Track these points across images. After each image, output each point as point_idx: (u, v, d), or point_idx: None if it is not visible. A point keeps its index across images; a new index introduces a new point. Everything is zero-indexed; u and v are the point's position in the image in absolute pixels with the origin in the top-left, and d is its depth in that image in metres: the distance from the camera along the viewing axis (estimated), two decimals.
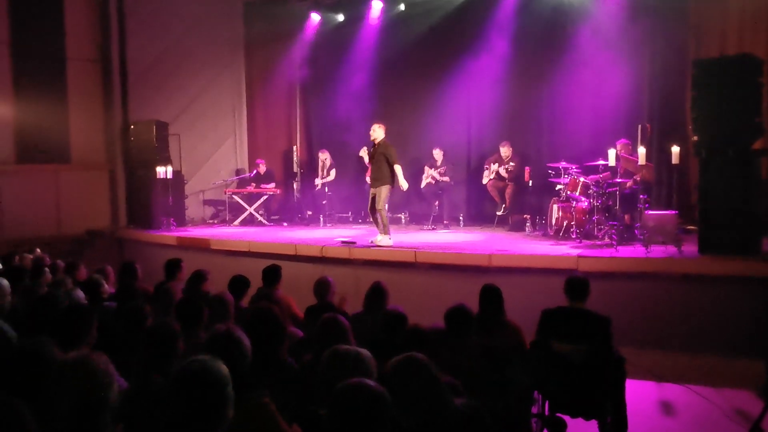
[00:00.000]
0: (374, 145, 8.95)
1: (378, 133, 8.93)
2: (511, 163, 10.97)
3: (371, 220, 9.41)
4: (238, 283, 5.73)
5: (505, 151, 11.09)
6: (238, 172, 14.51)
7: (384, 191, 8.91)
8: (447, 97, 12.20)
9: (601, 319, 4.50)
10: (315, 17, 13.69)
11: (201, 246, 10.49)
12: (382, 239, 8.93)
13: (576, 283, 4.76)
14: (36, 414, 2.49)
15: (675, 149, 7.97)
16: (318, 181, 13.02)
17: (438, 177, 11.72)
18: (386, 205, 9.09)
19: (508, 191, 10.99)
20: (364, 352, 2.99)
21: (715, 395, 5.59)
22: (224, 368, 2.25)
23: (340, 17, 13.66)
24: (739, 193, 7.07)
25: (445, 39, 12.29)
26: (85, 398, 2.33)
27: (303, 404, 3.09)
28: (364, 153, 9.17)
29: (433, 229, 11.36)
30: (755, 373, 5.79)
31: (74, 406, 2.32)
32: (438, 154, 11.84)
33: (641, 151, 8.30)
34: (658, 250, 7.57)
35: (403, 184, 8.94)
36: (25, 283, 5.53)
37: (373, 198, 9.02)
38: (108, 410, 2.39)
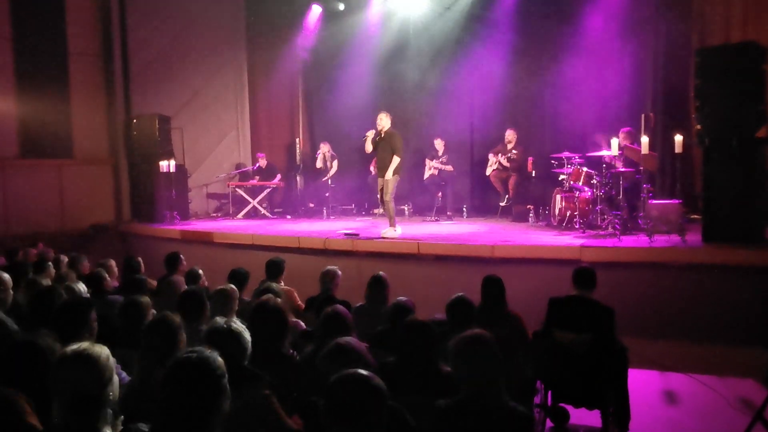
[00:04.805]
0: (380, 134, 8.92)
1: (385, 122, 8.90)
2: (514, 151, 10.94)
3: (383, 209, 9.31)
4: (238, 276, 5.74)
5: (509, 135, 11.05)
6: (239, 165, 14.50)
7: (391, 182, 8.89)
8: (449, 88, 12.18)
9: (606, 309, 4.50)
10: (316, 8, 13.65)
11: (204, 239, 10.50)
12: (388, 231, 8.93)
13: (584, 273, 4.78)
14: (37, 407, 2.50)
15: (678, 138, 7.92)
16: (327, 178, 12.96)
17: (441, 167, 11.70)
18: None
19: (511, 182, 10.96)
20: (361, 344, 3.00)
21: (718, 384, 5.58)
22: (220, 360, 2.25)
23: (342, 7, 13.62)
24: (742, 181, 7.03)
25: (447, 30, 12.25)
26: (84, 391, 2.34)
27: (304, 395, 3.10)
28: (369, 134, 8.99)
29: (437, 220, 11.36)
30: (759, 362, 5.79)
31: (73, 398, 2.33)
32: (439, 144, 11.84)
33: (644, 140, 8.25)
34: (661, 240, 7.54)
35: (389, 174, 8.84)
36: (28, 278, 5.54)
37: (382, 188, 9.01)
38: (108, 403, 2.40)
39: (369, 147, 8.98)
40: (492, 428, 2.74)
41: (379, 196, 9.19)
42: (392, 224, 9.02)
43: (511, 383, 3.91)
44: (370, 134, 8.93)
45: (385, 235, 8.88)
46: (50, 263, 6.50)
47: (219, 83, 14.31)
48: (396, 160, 8.80)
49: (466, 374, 2.85)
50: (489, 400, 2.79)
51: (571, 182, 9.40)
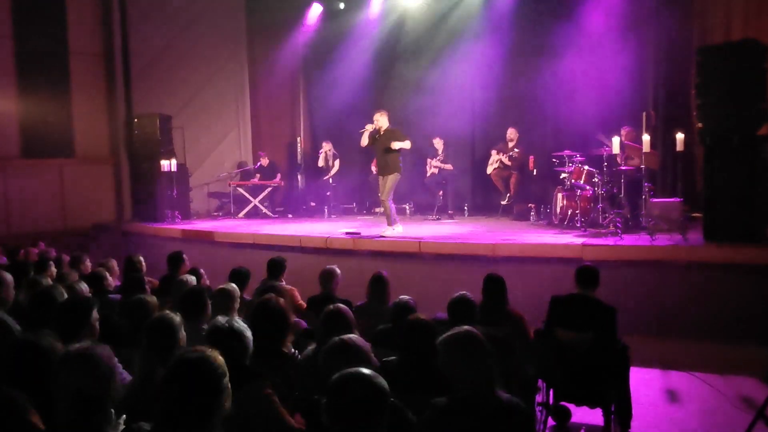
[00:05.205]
0: (378, 133, 8.90)
1: (382, 121, 8.88)
2: (515, 149, 10.93)
3: (382, 209, 9.26)
4: (239, 275, 5.73)
5: (510, 133, 11.04)
6: (240, 164, 14.51)
7: (390, 181, 8.87)
8: (450, 86, 12.17)
9: (608, 308, 4.49)
10: (317, 7, 13.65)
11: (205, 238, 10.51)
12: (387, 230, 8.92)
13: (587, 271, 4.77)
14: (39, 407, 2.50)
15: (679, 136, 7.91)
16: (329, 177, 12.92)
17: (440, 165, 11.70)
18: (392, 195, 9.05)
19: (513, 180, 10.96)
20: (364, 342, 3.00)
21: (720, 382, 5.57)
22: (220, 359, 2.25)
23: (342, 6, 13.63)
24: (744, 179, 7.03)
25: (448, 29, 12.26)
26: (86, 390, 2.34)
27: (305, 394, 3.10)
28: (369, 127, 8.92)
29: (438, 219, 11.35)
30: (761, 360, 5.78)
31: (75, 398, 2.33)
32: (438, 143, 11.84)
33: (645, 138, 8.24)
34: (663, 238, 7.53)
35: (396, 145, 8.73)
36: (29, 277, 5.54)
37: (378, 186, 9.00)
38: (109, 402, 2.40)
39: (365, 141, 8.92)
40: (489, 423, 2.73)
41: (379, 195, 9.20)
42: (390, 223, 9.00)
43: (512, 382, 3.93)
44: (369, 127, 8.87)
45: (384, 234, 8.87)
46: (51, 262, 6.50)
47: (220, 82, 14.30)
48: (407, 143, 8.77)
49: (456, 373, 2.81)
50: (484, 397, 2.76)
51: (573, 180, 9.40)
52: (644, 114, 8.80)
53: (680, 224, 7.66)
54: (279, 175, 13.27)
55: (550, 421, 4.78)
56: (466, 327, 2.95)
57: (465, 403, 2.75)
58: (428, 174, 11.99)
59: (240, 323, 3.17)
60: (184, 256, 6.67)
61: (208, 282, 6.32)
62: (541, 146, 11.37)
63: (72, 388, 2.34)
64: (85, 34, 12.63)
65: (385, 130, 8.87)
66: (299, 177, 13.93)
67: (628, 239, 7.71)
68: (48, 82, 12.00)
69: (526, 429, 2.80)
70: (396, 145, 8.74)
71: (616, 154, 8.62)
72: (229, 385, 2.24)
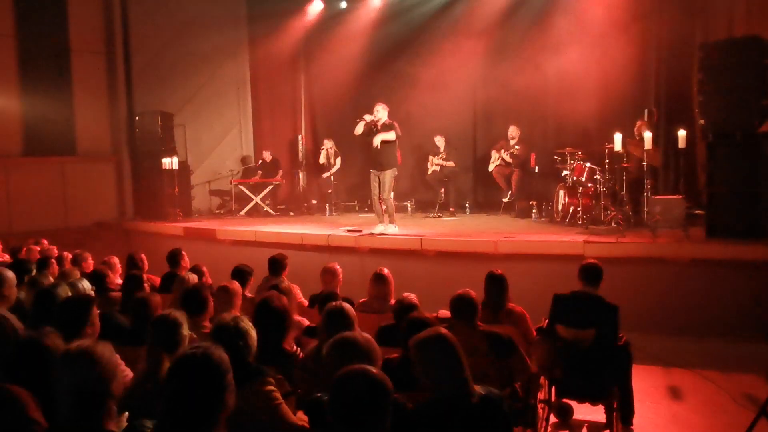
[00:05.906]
0: (376, 127, 8.83)
1: (382, 113, 8.79)
2: (517, 147, 10.90)
3: (378, 205, 9.11)
4: (241, 273, 5.73)
5: (512, 131, 11.01)
6: (244, 161, 14.50)
7: (389, 177, 8.82)
8: (452, 83, 12.14)
9: (610, 306, 4.49)
10: (318, 3, 13.63)
11: (207, 236, 10.51)
12: (385, 228, 8.90)
13: (590, 268, 4.75)
14: (43, 404, 2.51)
15: (681, 133, 7.90)
16: (330, 174, 12.89)
17: (442, 163, 11.68)
18: (392, 193, 9.02)
19: (514, 178, 10.93)
20: (368, 338, 2.99)
21: (722, 379, 5.57)
22: (224, 355, 2.25)
23: (344, 4, 13.61)
24: (746, 176, 7.03)
25: (450, 25, 12.24)
26: (88, 388, 2.34)
27: (308, 392, 3.10)
28: (367, 117, 8.83)
29: (440, 216, 11.35)
30: (763, 358, 5.78)
31: (77, 395, 2.33)
32: (440, 140, 11.81)
33: (647, 135, 8.24)
34: (665, 235, 7.52)
35: (376, 140, 8.66)
36: (31, 275, 5.54)
37: (378, 184, 8.93)
38: (111, 399, 2.40)
39: (359, 129, 8.81)
40: (469, 421, 2.70)
41: (372, 191, 9.12)
42: (392, 220, 8.99)
43: (514, 379, 3.93)
44: (368, 118, 8.79)
45: (383, 232, 8.86)
46: (53, 260, 6.50)
47: (221, 79, 14.29)
48: (391, 134, 8.65)
49: (430, 374, 2.76)
50: (460, 396, 2.72)
51: (574, 178, 9.39)
52: (646, 111, 8.80)
53: (682, 221, 7.65)
54: (280, 173, 13.27)
55: (552, 418, 4.78)
56: (436, 328, 2.92)
57: (443, 404, 2.72)
58: (430, 171, 11.97)
59: (246, 322, 3.17)
60: (183, 252, 6.67)
61: (210, 280, 6.32)
62: (543, 143, 11.35)
63: (72, 385, 2.34)
64: (86, 32, 12.64)
65: (383, 125, 8.78)
66: (300, 174, 13.91)
67: (630, 236, 7.70)
68: (50, 80, 12.01)
69: (503, 420, 2.78)
70: (379, 138, 8.61)
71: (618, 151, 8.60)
72: (233, 381, 2.24)
